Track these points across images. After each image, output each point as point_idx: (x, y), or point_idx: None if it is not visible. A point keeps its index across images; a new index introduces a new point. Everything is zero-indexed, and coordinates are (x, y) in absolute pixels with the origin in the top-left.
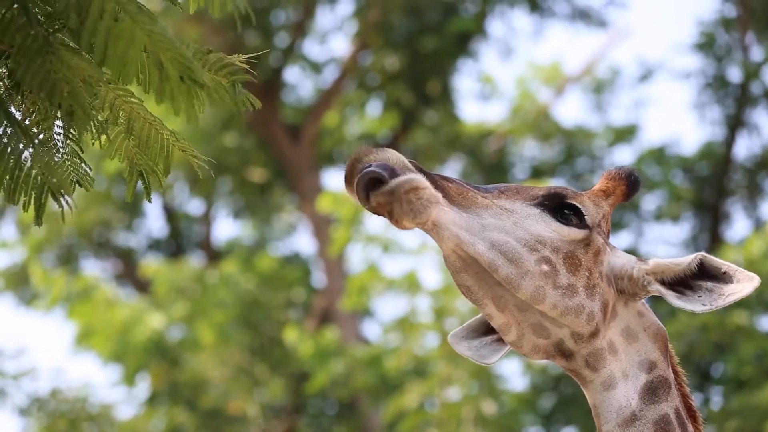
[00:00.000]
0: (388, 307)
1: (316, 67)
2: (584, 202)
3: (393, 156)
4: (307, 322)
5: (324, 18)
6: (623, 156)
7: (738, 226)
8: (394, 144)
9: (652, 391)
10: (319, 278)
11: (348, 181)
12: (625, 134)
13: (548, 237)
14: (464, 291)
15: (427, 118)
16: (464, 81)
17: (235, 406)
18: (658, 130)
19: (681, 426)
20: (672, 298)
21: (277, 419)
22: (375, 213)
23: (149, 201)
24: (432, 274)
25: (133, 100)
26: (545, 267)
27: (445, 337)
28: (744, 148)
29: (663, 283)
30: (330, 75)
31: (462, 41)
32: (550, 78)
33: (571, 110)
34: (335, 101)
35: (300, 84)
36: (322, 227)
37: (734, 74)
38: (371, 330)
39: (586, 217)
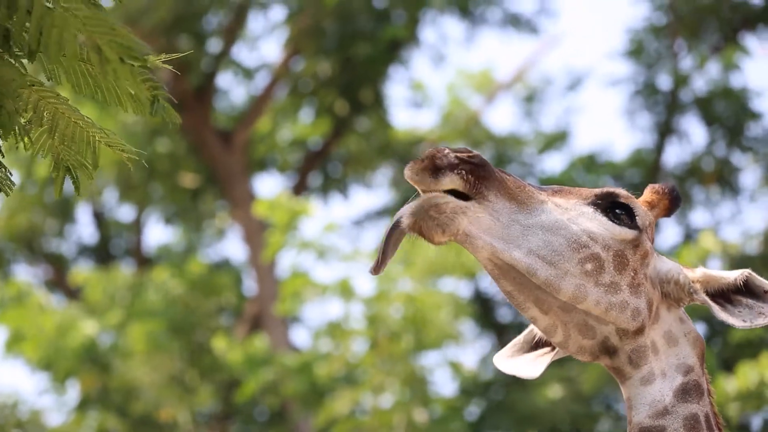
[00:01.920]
0: (317, 312)
1: (248, 73)
2: (636, 204)
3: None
4: (237, 328)
5: (256, 23)
6: (553, 163)
7: (667, 234)
8: (325, 150)
9: (686, 392)
10: (249, 285)
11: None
12: (555, 141)
13: (600, 234)
14: (506, 296)
15: (359, 125)
16: (396, 88)
17: (166, 413)
18: (589, 137)
19: (709, 429)
20: (716, 309)
21: (208, 426)
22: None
23: (78, 195)
24: (365, 280)
25: (57, 100)
26: (588, 266)
27: (377, 344)
28: (673, 155)
29: (706, 293)
30: (262, 81)
31: (393, 48)
32: (480, 85)
33: (502, 117)
34: (267, 107)
35: (232, 90)
36: (253, 233)
37: (664, 81)
38: (299, 336)
39: (637, 218)
